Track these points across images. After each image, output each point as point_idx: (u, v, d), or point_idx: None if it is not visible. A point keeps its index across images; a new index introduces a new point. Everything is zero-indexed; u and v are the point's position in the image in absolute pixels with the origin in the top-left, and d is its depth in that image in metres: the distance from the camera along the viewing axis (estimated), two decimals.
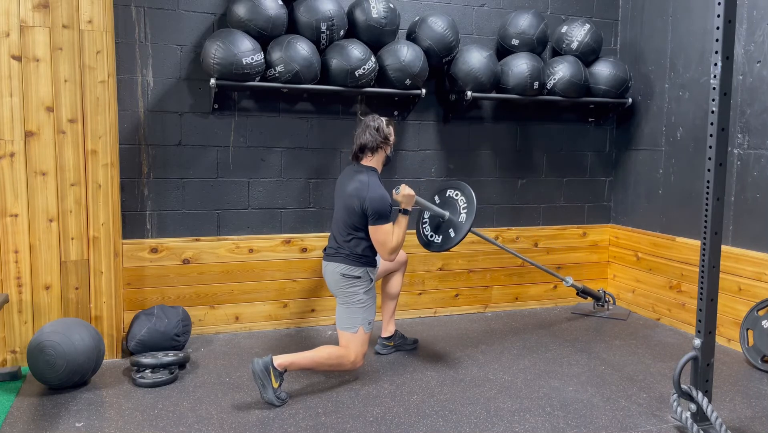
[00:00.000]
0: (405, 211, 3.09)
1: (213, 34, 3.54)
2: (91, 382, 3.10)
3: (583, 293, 4.22)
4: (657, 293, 4.28)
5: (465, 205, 3.30)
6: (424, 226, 3.48)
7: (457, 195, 3.37)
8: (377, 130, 3.09)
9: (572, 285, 4.08)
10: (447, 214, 3.34)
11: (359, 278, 3.03)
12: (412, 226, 3.54)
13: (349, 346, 3.01)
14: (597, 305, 4.42)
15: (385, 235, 2.98)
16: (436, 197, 3.47)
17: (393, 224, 3.04)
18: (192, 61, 3.71)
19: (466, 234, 3.23)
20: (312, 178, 4.00)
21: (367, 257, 3.06)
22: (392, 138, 3.17)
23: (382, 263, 3.36)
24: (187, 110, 3.74)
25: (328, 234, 3.97)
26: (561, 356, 3.54)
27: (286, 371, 2.88)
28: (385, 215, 2.96)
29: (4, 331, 3.22)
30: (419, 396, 2.97)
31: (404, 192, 3.08)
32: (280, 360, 2.85)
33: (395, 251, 3.04)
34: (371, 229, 2.98)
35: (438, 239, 3.35)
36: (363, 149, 3.10)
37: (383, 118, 3.15)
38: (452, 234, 3.27)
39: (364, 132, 3.10)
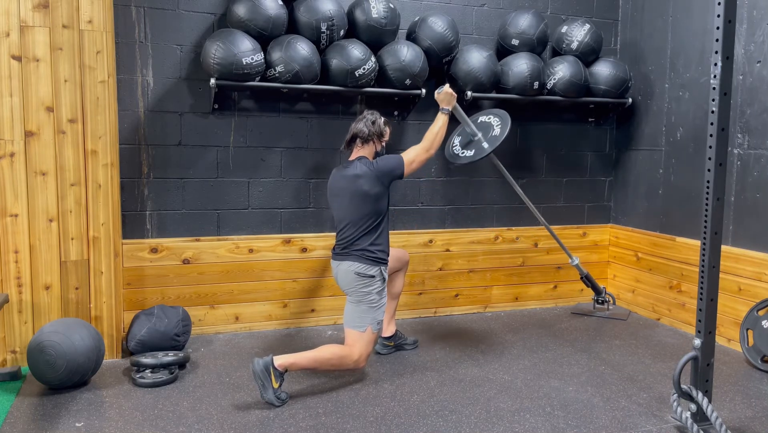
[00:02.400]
0: (444, 110, 3.21)
1: (213, 34, 3.54)
2: (91, 382, 3.10)
3: (586, 279, 4.18)
4: (657, 293, 4.28)
5: (499, 123, 3.41)
6: (454, 147, 3.57)
7: (489, 118, 3.49)
8: (373, 123, 3.15)
9: (576, 265, 4.05)
10: (480, 134, 3.44)
11: (373, 277, 3.03)
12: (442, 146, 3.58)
13: (354, 345, 3.00)
14: (597, 303, 4.42)
15: (412, 150, 3.13)
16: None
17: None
18: (192, 61, 3.71)
19: (500, 142, 3.30)
20: (312, 178, 4.00)
21: (380, 252, 3.06)
22: (386, 137, 3.20)
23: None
24: (187, 110, 3.74)
25: (328, 234, 4.01)
26: (561, 356, 3.54)
27: (286, 371, 2.88)
28: (396, 156, 3.09)
29: (4, 331, 3.22)
30: (419, 396, 2.97)
31: (446, 89, 3.21)
32: (280, 360, 2.85)
33: (433, 147, 3.14)
34: (404, 157, 3.08)
35: (470, 152, 3.42)
36: (354, 138, 3.15)
37: (383, 117, 3.19)
38: (485, 146, 3.35)
39: (359, 122, 3.17)
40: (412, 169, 3.12)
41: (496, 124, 3.41)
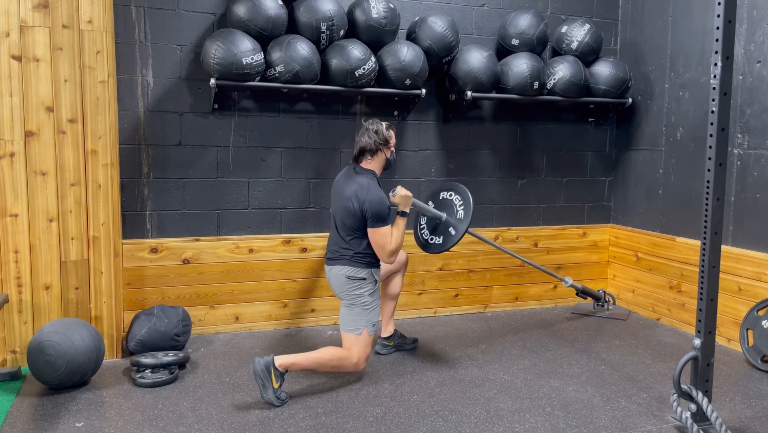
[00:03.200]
0: (402, 213, 3.10)
1: (213, 34, 3.54)
2: (91, 382, 3.10)
3: (582, 293, 4.22)
4: (657, 293, 4.28)
5: (461, 202, 3.32)
6: (422, 230, 3.49)
7: (451, 195, 3.39)
8: (376, 132, 3.09)
9: (572, 285, 4.08)
10: (444, 215, 3.36)
11: (364, 279, 3.03)
12: (410, 227, 3.55)
13: (352, 348, 3.01)
14: (597, 305, 4.42)
15: (383, 237, 2.98)
16: (430, 202, 3.48)
17: (391, 226, 3.04)
18: (192, 61, 3.71)
19: (465, 231, 3.24)
20: (312, 178, 4.00)
21: (370, 256, 3.05)
22: (392, 141, 3.17)
23: (383, 264, 3.36)
24: (187, 110, 3.74)
25: (328, 234, 4.00)
26: (561, 356, 3.54)
27: (287, 371, 2.88)
28: (383, 218, 2.96)
29: (4, 331, 3.22)
30: (419, 396, 2.97)
31: (400, 193, 3.09)
32: (281, 361, 2.85)
33: (394, 254, 3.03)
34: (370, 231, 2.98)
35: (438, 240, 3.35)
36: (363, 152, 3.11)
37: (384, 123, 3.15)
38: (453, 232, 3.28)
39: (363, 135, 3.11)
40: (375, 245, 3.00)
41: (458, 204, 3.33)
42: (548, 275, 4.11)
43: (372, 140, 3.08)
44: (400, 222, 3.07)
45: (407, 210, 3.12)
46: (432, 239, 3.39)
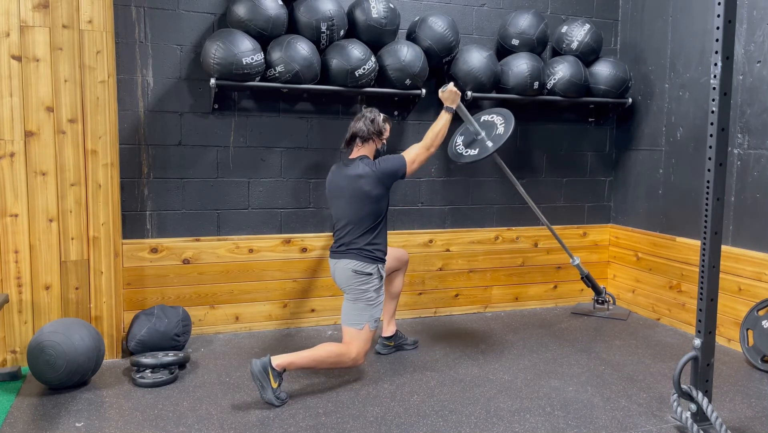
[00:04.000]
0: (448, 109, 3.20)
1: (213, 34, 3.55)
2: (91, 382, 3.10)
3: (586, 278, 4.17)
4: (657, 293, 4.28)
5: (503, 121, 3.39)
6: (457, 146, 3.55)
7: (492, 117, 3.48)
8: (372, 121, 3.12)
9: (577, 265, 4.05)
10: (483, 132, 3.42)
11: (371, 275, 3.03)
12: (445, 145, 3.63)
13: (352, 342, 3.00)
14: (597, 303, 4.42)
15: (410, 151, 3.12)
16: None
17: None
18: (192, 61, 3.71)
19: (505, 141, 3.29)
20: (312, 179, 4.00)
21: (378, 250, 3.05)
22: (386, 134, 3.18)
23: (386, 263, 3.35)
24: (187, 110, 3.74)
25: (328, 234, 4.01)
26: (561, 356, 3.54)
27: (285, 371, 2.88)
28: (398, 156, 3.08)
29: (4, 331, 3.22)
30: (419, 396, 2.97)
31: (450, 88, 3.20)
32: (278, 360, 2.85)
33: (437, 139, 3.13)
34: (405, 156, 3.08)
35: (473, 151, 3.41)
36: (354, 137, 3.15)
37: (382, 114, 3.18)
38: (489, 145, 3.34)
39: (358, 120, 3.15)
40: (413, 169, 3.11)
41: (499, 123, 3.41)
42: (561, 246, 4.05)
43: (366, 128, 3.11)
44: (444, 115, 3.19)
45: (453, 107, 3.22)
46: (467, 152, 3.43)
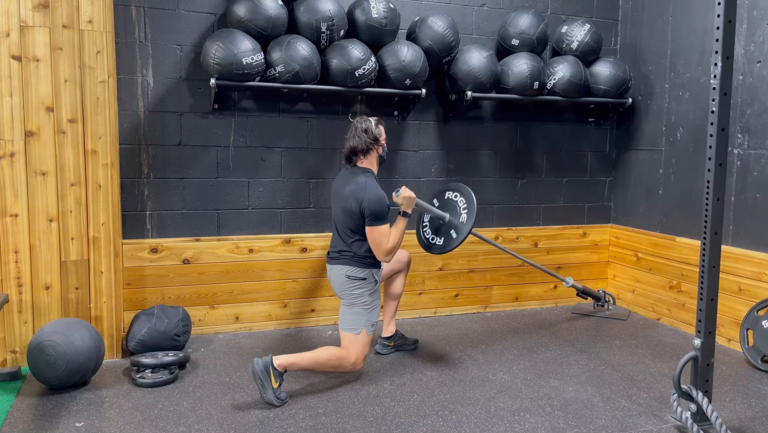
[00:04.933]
0: (404, 214, 3.08)
1: (213, 34, 3.54)
2: (91, 382, 3.10)
3: (583, 293, 4.22)
4: (657, 293, 4.28)
5: (465, 205, 3.30)
6: (424, 229, 3.48)
7: (456, 196, 3.37)
8: (366, 131, 3.07)
9: (572, 285, 4.08)
10: (447, 216, 3.34)
11: (364, 279, 3.03)
12: (411, 227, 3.56)
13: (350, 347, 3.01)
14: (597, 305, 4.42)
15: (381, 236, 2.97)
16: (435, 200, 3.47)
17: (390, 226, 3.03)
18: (192, 61, 3.71)
19: (467, 235, 3.23)
20: (312, 178, 4.00)
21: (372, 258, 3.06)
22: (383, 138, 3.15)
23: (387, 264, 3.36)
24: (187, 110, 3.74)
25: (328, 234, 4.00)
26: (561, 356, 3.54)
27: (285, 371, 2.88)
28: (382, 216, 2.96)
29: (4, 331, 3.22)
30: (419, 396, 2.97)
31: (404, 194, 3.08)
32: (279, 360, 2.85)
33: (391, 253, 3.02)
34: (368, 230, 2.97)
35: (439, 241, 3.35)
36: (355, 152, 3.10)
37: (372, 119, 3.13)
38: (454, 235, 3.27)
39: (353, 136, 3.09)
40: (372, 243, 2.99)
41: (462, 206, 3.31)
42: (549, 275, 4.11)
43: (362, 140, 3.06)
44: (401, 222, 3.06)
45: (409, 211, 3.10)
46: (434, 239, 3.39)
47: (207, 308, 3.85)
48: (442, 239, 3.34)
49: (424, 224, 3.49)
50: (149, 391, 3.00)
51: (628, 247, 4.56)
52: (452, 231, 3.29)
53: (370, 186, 2.98)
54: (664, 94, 4.22)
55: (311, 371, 3.16)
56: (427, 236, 3.44)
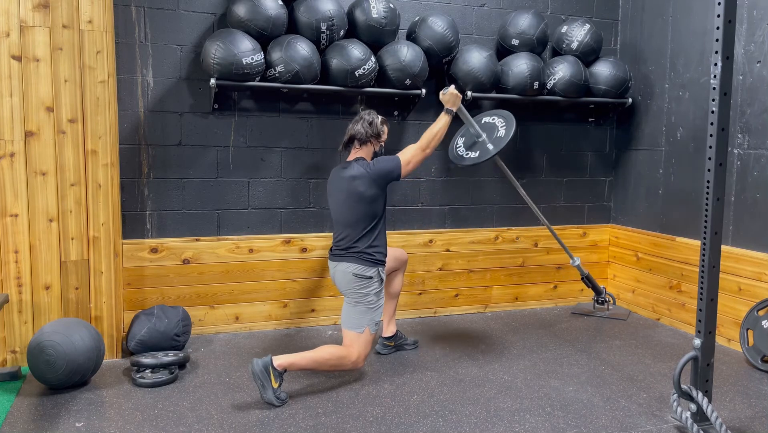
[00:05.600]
0: (448, 111, 3.18)
1: (213, 34, 3.55)
2: (91, 382, 3.10)
3: (586, 279, 4.17)
4: (657, 293, 4.28)
5: (503, 124, 3.37)
6: (458, 147, 3.52)
7: (494, 119, 3.45)
8: (370, 124, 3.13)
9: (578, 266, 4.04)
10: (484, 135, 3.40)
11: (371, 278, 3.03)
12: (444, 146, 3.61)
13: (352, 345, 3.00)
14: (597, 303, 4.42)
15: (406, 152, 3.09)
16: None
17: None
18: (192, 61, 3.71)
19: (507, 140, 3.27)
20: (312, 178, 4.00)
21: (378, 253, 3.06)
22: (384, 137, 3.19)
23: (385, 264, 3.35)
24: (187, 110, 3.74)
25: (328, 234, 4.01)
26: (561, 356, 3.54)
27: (285, 371, 2.88)
28: (393, 156, 3.06)
29: (4, 331, 3.22)
30: (419, 396, 2.97)
31: (451, 90, 3.18)
32: (279, 360, 2.85)
33: (431, 142, 3.09)
34: (403, 163, 3.04)
35: (474, 154, 3.38)
36: (352, 139, 3.15)
37: (380, 117, 3.17)
38: (491, 147, 3.31)
39: (356, 123, 3.15)
40: (408, 170, 3.09)
41: (500, 125, 3.39)
42: (561, 247, 4.04)
43: (364, 130, 3.11)
44: (444, 117, 3.16)
45: (454, 109, 3.19)
46: (468, 154, 3.41)
47: (207, 308, 3.86)
48: (478, 152, 3.37)
49: (458, 145, 3.53)
50: (149, 391, 3.00)
51: (628, 247, 4.56)
52: (489, 144, 3.34)
53: (370, 161, 3.07)
54: (664, 94, 4.22)
55: (311, 371, 3.16)
56: (461, 153, 3.47)
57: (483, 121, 3.52)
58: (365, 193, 2.99)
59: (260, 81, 3.57)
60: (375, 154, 3.19)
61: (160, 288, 3.75)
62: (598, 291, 4.32)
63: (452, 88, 3.19)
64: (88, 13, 3.20)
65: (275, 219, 3.96)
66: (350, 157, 3.15)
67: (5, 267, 3.18)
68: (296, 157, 3.96)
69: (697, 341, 2.58)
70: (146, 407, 2.82)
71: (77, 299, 3.31)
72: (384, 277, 3.12)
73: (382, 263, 3.09)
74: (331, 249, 3.18)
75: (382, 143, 3.20)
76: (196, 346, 3.64)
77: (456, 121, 3.41)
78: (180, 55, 3.70)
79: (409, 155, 3.08)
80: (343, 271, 3.05)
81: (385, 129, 3.19)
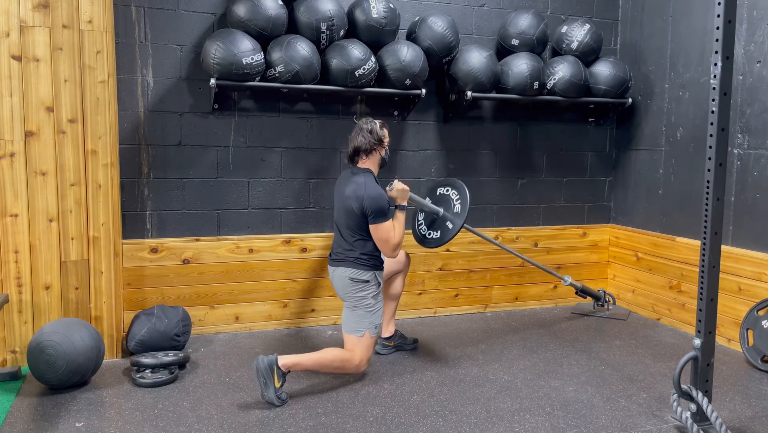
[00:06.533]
0: (401, 207, 3.13)
1: (213, 34, 3.54)
2: (91, 382, 3.10)
3: (582, 292, 4.21)
4: (657, 293, 4.28)
5: (458, 197, 3.35)
6: (419, 226, 3.52)
7: (448, 191, 3.42)
8: (370, 132, 3.10)
9: (571, 284, 4.08)
10: (441, 210, 3.40)
11: (368, 282, 3.04)
12: (408, 225, 3.58)
13: (354, 349, 3.01)
14: (597, 304, 4.42)
15: (386, 232, 3.00)
16: (428, 198, 3.51)
17: (392, 220, 3.05)
18: (192, 61, 3.71)
19: (463, 224, 3.27)
20: (312, 178, 4.00)
21: (374, 258, 3.07)
22: (386, 140, 3.18)
23: (386, 265, 3.36)
24: (187, 110, 3.74)
25: (329, 234, 4.01)
26: (561, 356, 3.54)
27: (289, 371, 2.88)
28: (383, 213, 2.98)
29: (4, 331, 3.22)
30: (419, 396, 2.97)
31: (397, 187, 3.14)
32: (284, 360, 2.85)
33: (397, 247, 3.06)
34: (372, 228, 2.99)
35: (436, 234, 3.38)
36: (357, 152, 3.13)
37: (377, 121, 3.16)
38: (450, 226, 3.31)
39: (357, 135, 3.13)
40: (375, 238, 3.02)
41: (455, 198, 3.36)
42: (548, 273, 4.12)
43: (366, 140, 3.09)
44: (400, 216, 3.11)
45: (405, 204, 3.15)
46: (429, 234, 3.42)
47: (207, 308, 3.85)
48: (439, 231, 3.37)
49: (419, 222, 3.53)
50: (149, 391, 3.00)
51: (628, 247, 4.56)
52: (448, 222, 3.34)
53: (369, 185, 3.01)
54: (664, 94, 4.22)
55: (313, 372, 3.16)
56: (423, 232, 3.46)
57: (438, 193, 3.48)
58: (356, 212, 3.01)
59: (260, 81, 3.56)
60: (383, 161, 3.18)
61: (160, 288, 3.75)
62: (597, 298, 4.33)
63: (397, 183, 3.14)
64: (88, 13, 3.20)
65: (275, 219, 3.96)
66: (360, 164, 3.15)
67: (5, 267, 3.18)
68: (296, 157, 3.96)
69: (697, 341, 2.58)
70: (146, 407, 2.82)
71: (77, 299, 3.31)
72: (381, 280, 3.13)
73: (379, 267, 3.10)
74: (330, 254, 3.19)
75: (387, 147, 3.20)
76: (196, 346, 3.64)
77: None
78: (180, 55, 3.70)
79: (383, 239, 3.00)
80: (340, 275, 3.07)
81: (386, 132, 3.18)
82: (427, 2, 4.13)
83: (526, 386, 3.10)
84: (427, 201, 3.47)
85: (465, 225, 3.34)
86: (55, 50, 3.16)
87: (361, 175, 3.06)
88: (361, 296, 3.03)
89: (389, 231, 3.01)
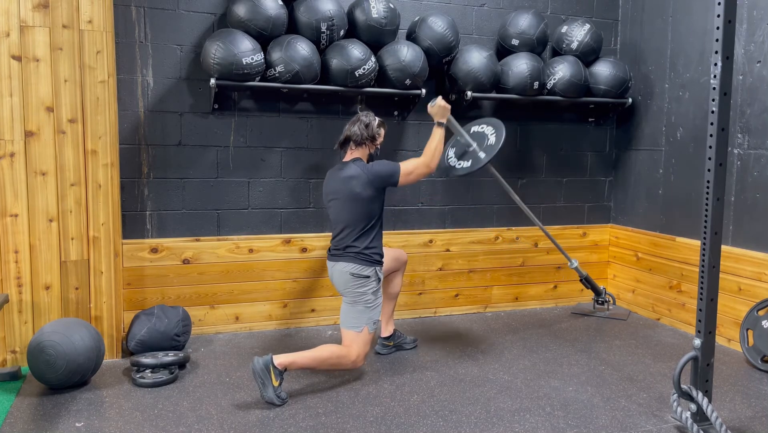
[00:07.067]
0: (439, 124, 3.17)
1: (213, 34, 3.55)
2: (91, 382, 3.10)
3: (585, 280, 4.17)
4: (657, 293, 4.28)
5: (493, 131, 3.37)
6: (449, 159, 3.52)
7: (482, 128, 3.45)
8: (366, 126, 3.11)
9: (576, 268, 4.04)
10: (475, 144, 3.39)
11: (368, 277, 3.03)
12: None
13: (352, 345, 3.01)
14: (597, 303, 4.42)
15: (408, 164, 3.09)
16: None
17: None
18: (192, 61, 3.71)
19: (498, 150, 3.27)
20: (312, 179, 4.00)
21: (375, 253, 3.06)
22: (380, 139, 3.19)
23: (384, 264, 3.35)
24: (187, 110, 3.74)
25: (328, 234, 4.00)
26: (561, 356, 3.54)
27: (286, 370, 2.88)
28: (393, 165, 3.07)
29: (4, 331, 3.22)
30: (419, 396, 2.97)
31: (439, 103, 3.17)
32: (280, 359, 2.85)
33: (434, 159, 3.11)
34: (402, 173, 3.04)
35: (466, 164, 3.38)
36: (348, 140, 3.14)
37: (377, 118, 3.16)
38: (482, 156, 3.31)
39: (353, 124, 3.14)
40: (408, 180, 3.09)
41: (490, 133, 3.38)
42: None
43: (360, 132, 3.10)
44: (437, 131, 3.15)
45: (444, 121, 3.18)
46: (459, 164, 3.41)
47: (207, 308, 3.86)
48: (470, 161, 3.37)
49: (449, 156, 3.52)
50: (149, 391, 3.00)
51: (628, 247, 4.56)
52: (480, 153, 3.34)
53: (366, 164, 3.07)
54: (664, 94, 4.22)
55: (311, 371, 3.16)
56: (452, 163, 3.46)
57: (472, 130, 3.51)
58: (362, 193, 2.99)
59: (260, 81, 3.57)
60: (371, 157, 3.19)
61: (160, 288, 3.75)
62: (597, 291, 4.32)
63: (440, 100, 3.18)
64: (88, 13, 3.20)
65: (275, 219, 3.96)
66: (346, 158, 3.15)
67: (5, 267, 3.18)
68: (296, 157, 3.96)
69: (697, 341, 2.58)
70: (146, 407, 2.82)
71: (77, 299, 3.31)
72: (381, 276, 3.12)
73: (379, 262, 3.09)
74: (329, 249, 3.18)
75: (378, 146, 3.20)
76: (196, 346, 3.64)
77: (447, 132, 3.40)
78: (180, 55, 3.70)
79: (411, 166, 3.09)
80: (340, 270, 3.06)
81: (382, 132, 3.19)
82: (427, 2, 4.13)
83: (526, 386, 3.10)
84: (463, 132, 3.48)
85: (491, 164, 3.35)
86: (55, 50, 3.16)
87: (352, 164, 3.08)
88: (361, 292, 3.03)
89: (409, 162, 3.09)
